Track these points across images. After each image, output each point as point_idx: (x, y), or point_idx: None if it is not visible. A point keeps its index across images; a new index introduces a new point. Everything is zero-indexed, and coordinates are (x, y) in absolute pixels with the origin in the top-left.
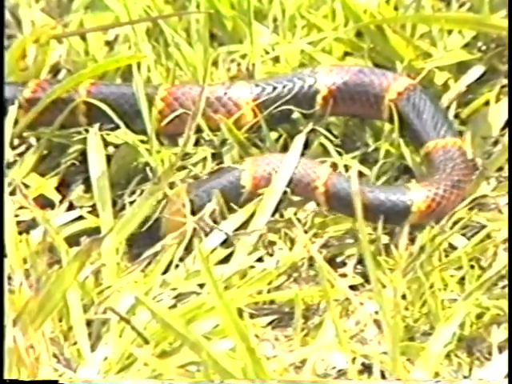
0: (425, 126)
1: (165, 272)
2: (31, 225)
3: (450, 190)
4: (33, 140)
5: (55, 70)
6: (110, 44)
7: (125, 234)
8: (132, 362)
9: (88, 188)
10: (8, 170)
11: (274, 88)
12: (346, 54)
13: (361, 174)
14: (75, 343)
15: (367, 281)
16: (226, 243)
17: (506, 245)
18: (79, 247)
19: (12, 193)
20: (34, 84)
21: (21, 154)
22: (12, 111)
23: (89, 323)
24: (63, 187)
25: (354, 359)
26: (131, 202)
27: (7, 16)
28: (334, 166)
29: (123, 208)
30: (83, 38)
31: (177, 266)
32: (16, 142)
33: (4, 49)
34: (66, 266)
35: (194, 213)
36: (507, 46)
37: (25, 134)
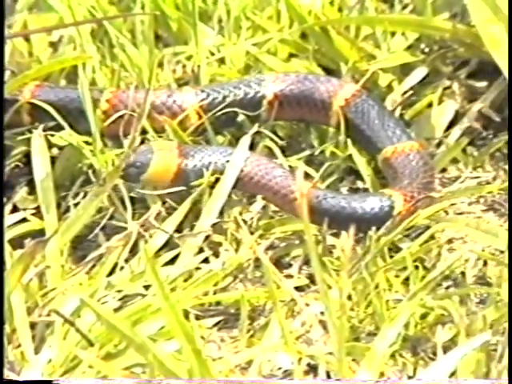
0: (379, 132)
1: (110, 274)
2: None
3: (423, 192)
4: None
5: None
6: (54, 45)
7: (69, 235)
8: (77, 364)
9: (32, 190)
10: None
11: (219, 93)
12: (291, 55)
13: (307, 176)
14: (19, 346)
15: (313, 282)
16: (168, 245)
17: (450, 245)
18: (23, 249)
19: None
20: None
21: None
22: None
23: (33, 326)
24: (7, 189)
25: (299, 360)
26: (75, 204)
27: None
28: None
29: (67, 210)
30: (27, 39)
31: (122, 267)
32: None
33: (4, 49)
34: (10, 268)
35: None
36: (507, 45)
37: None
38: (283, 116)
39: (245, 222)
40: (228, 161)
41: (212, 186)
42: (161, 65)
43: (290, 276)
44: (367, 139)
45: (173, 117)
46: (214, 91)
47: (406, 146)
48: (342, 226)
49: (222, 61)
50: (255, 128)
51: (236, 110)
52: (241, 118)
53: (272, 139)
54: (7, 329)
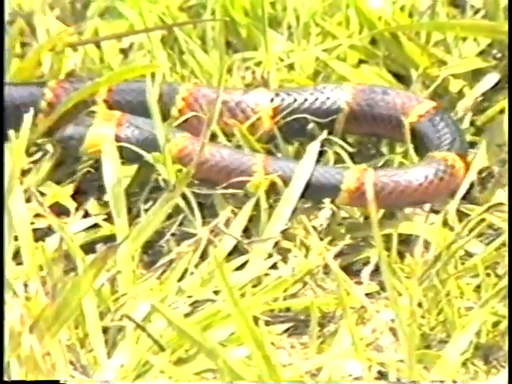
0: (439, 141)
1: (180, 279)
2: (47, 232)
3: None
4: (49, 147)
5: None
6: (124, 52)
7: (140, 241)
8: (148, 369)
9: (103, 195)
10: (23, 177)
11: (294, 98)
12: (361, 61)
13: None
14: (91, 350)
15: (383, 288)
16: (238, 250)
17: None
18: (95, 255)
19: (28, 200)
20: (54, 84)
21: (36, 162)
22: (27, 119)
23: (105, 330)
24: (79, 195)
25: (370, 367)
26: (146, 210)
27: (22, 24)
28: None
29: (138, 215)
30: (98, 46)
31: (192, 273)
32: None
33: (4, 48)
34: (82, 273)
35: None
36: (507, 45)
37: (40, 141)
38: (355, 129)
39: (314, 228)
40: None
41: (268, 191)
42: (230, 71)
43: (360, 283)
44: (423, 144)
45: (245, 120)
46: (288, 96)
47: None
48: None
49: (291, 67)
50: (324, 134)
51: (308, 116)
52: (311, 126)
53: (341, 146)
54: (80, 333)
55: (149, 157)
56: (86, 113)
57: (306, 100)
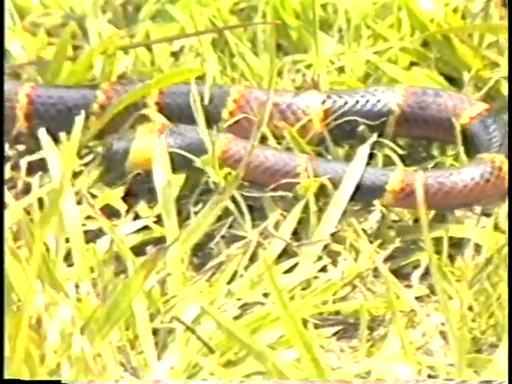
0: (490, 143)
1: (230, 282)
2: (98, 234)
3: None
4: (100, 149)
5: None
6: (175, 54)
7: (190, 243)
8: (198, 371)
9: (153, 198)
10: (75, 179)
11: (345, 101)
12: (412, 63)
13: None
14: (142, 352)
15: (433, 292)
16: (287, 253)
17: None
18: (145, 256)
19: (79, 202)
20: (107, 87)
21: (87, 164)
22: (79, 121)
23: (155, 332)
24: (129, 197)
25: (419, 371)
26: (196, 212)
27: (74, 27)
28: None
29: (188, 218)
30: (149, 49)
31: (241, 275)
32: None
33: (4, 48)
34: (133, 275)
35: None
36: (507, 44)
37: (91, 144)
38: (406, 132)
39: (364, 231)
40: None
41: (317, 193)
42: (280, 73)
43: (409, 286)
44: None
45: (296, 122)
46: (339, 98)
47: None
48: None
49: (341, 69)
50: (374, 137)
51: (359, 119)
52: (361, 128)
53: (392, 149)
54: (130, 335)
55: (197, 161)
56: (133, 121)
57: (357, 102)
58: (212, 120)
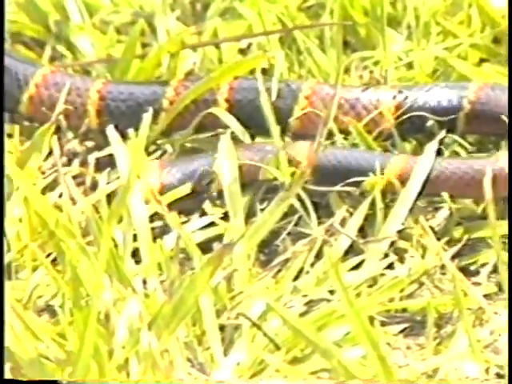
0: None
1: (296, 278)
2: (165, 230)
3: None
4: (167, 146)
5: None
6: (243, 51)
7: (256, 240)
8: (264, 367)
9: (220, 195)
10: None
11: (417, 97)
12: (482, 60)
13: None
14: (208, 348)
15: (502, 289)
16: (353, 250)
17: None
18: (211, 253)
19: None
20: (176, 83)
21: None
22: (147, 118)
23: (221, 328)
24: (196, 194)
25: (487, 369)
26: (262, 209)
27: (143, 25)
28: None
29: (254, 215)
30: (217, 46)
31: (307, 272)
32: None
33: (4, 47)
34: (199, 271)
35: None
36: (508, 46)
37: (159, 142)
38: (476, 128)
39: (431, 228)
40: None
41: (384, 190)
42: (348, 70)
43: (477, 283)
44: None
45: (367, 117)
46: (410, 93)
47: None
48: None
49: (409, 66)
50: (443, 133)
51: (428, 115)
52: (430, 123)
53: (461, 145)
54: (197, 330)
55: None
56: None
57: (427, 98)
58: (283, 116)
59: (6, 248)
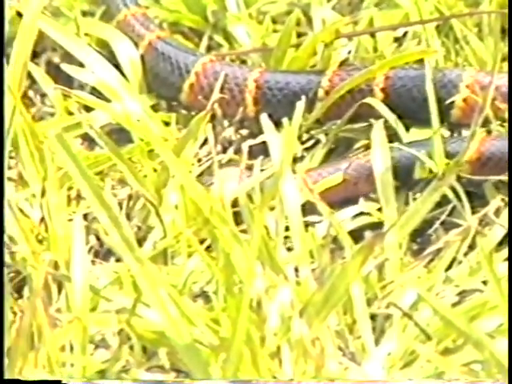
0: None
1: (448, 268)
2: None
3: None
4: (321, 136)
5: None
6: (398, 40)
7: (408, 229)
8: (414, 358)
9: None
10: (295, 164)
11: None
12: None
13: None
14: (359, 337)
15: None
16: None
17: None
18: (363, 242)
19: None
20: (331, 73)
21: (308, 149)
22: (299, 106)
23: (372, 317)
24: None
25: None
26: (415, 198)
27: (299, 14)
28: None
29: (407, 203)
30: (372, 35)
31: (460, 262)
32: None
33: (4, 47)
34: (350, 259)
35: None
36: (507, 46)
37: (313, 132)
38: None
39: None
40: None
41: None
42: (505, 59)
43: None
44: None
45: None
46: None
47: None
48: None
49: None
50: None
51: None
52: None
53: None
54: (348, 319)
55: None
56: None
57: None
58: (443, 107)
59: (162, 234)
